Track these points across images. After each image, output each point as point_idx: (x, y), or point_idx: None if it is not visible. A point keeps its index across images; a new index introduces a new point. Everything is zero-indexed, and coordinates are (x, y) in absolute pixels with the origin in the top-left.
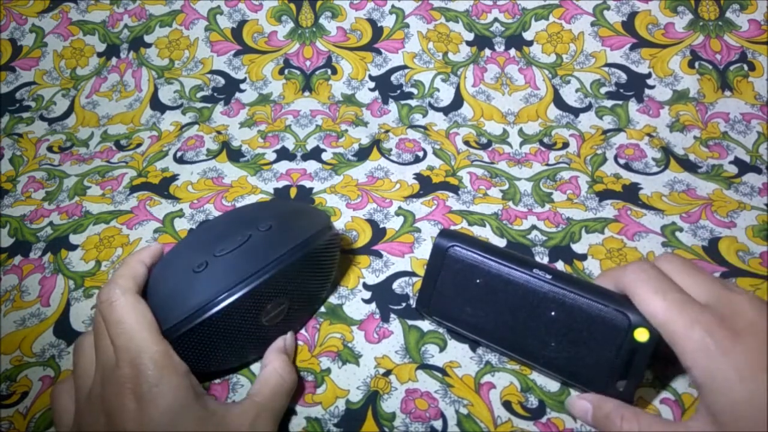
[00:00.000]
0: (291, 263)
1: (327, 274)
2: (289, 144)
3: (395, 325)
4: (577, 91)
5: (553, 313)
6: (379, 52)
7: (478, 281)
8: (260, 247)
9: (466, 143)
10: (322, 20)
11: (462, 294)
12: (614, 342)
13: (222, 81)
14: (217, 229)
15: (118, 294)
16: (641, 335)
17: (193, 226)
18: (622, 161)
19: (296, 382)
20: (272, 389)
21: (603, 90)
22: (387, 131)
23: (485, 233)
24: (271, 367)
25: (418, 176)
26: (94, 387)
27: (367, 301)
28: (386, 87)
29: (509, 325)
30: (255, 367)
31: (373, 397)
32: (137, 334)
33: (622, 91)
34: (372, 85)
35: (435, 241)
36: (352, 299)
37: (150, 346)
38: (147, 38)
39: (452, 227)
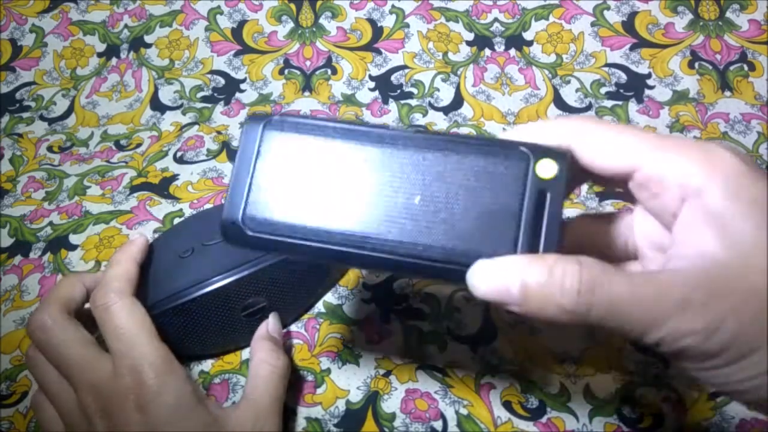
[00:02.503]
0: (276, 263)
1: (317, 281)
2: None
3: (395, 325)
4: (577, 91)
5: (427, 178)
6: (379, 52)
7: (317, 162)
8: None
9: None
10: (322, 20)
11: (297, 189)
12: (514, 189)
13: (222, 81)
14: (211, 219)
15: (114, 298)
16: (547, 169)
17: None
18: None
19: (288, 364)
20: (264, 381)
21: (603, 90)
22: None
23: None
24: (257, 359)
25: None
26: (85, 400)
27: (367, 302)
28: (386, 87)
29: (372, 212)
30: None
31: (373, 398)
32: (137, 340)
33: (622, 91)
34: (372, 85)
35: (245, 126)
36: (352, 299)
37: (150, 352)
38: (147, 38)
39: None
